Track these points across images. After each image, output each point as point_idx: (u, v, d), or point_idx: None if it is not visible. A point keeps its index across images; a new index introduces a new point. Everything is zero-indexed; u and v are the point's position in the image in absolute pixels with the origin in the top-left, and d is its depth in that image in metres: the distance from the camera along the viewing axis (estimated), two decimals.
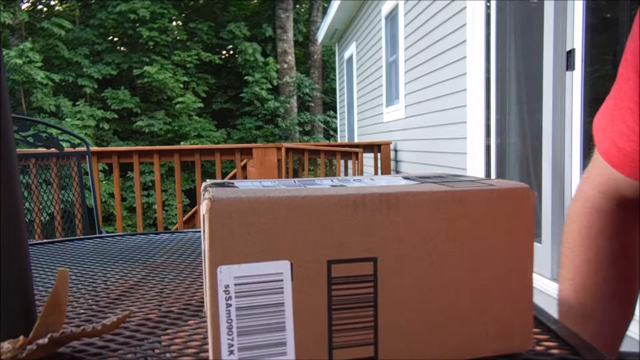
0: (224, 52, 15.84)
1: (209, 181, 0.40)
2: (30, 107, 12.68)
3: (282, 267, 0.33)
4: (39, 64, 12.14)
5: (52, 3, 15.61)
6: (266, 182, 0.40)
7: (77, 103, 12.85)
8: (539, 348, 0.41)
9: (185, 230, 0.99)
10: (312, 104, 15.76)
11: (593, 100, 2.24)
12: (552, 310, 0.59)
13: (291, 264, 0.34)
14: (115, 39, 14.87)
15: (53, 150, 2.14)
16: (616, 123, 0.62)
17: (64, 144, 2.17)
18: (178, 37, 14.50)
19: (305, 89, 15.34)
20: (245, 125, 14.46)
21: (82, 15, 14.73)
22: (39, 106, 12.32)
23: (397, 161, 5.61)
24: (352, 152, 4.56)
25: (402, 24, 5.15)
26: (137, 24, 13.69)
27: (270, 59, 14.52)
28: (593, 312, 0.66)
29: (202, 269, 0.66)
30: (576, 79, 2.31)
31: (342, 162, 4.65)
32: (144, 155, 4.24)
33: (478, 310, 0.38)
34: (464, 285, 0.37)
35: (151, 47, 14.04)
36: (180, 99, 13.47)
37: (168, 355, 0.41)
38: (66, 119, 12.26)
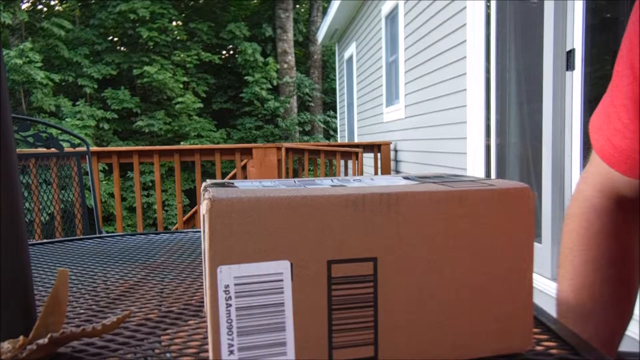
0: (224, 52, 15.83)
1: (209, 181, 0.40)
2: (30, 107, 12.67)
3: (282, 267, 0.33)
4: (39, 64, 12.13)
5: (52, 3, 15.60)
6: (266, 182, 0.40)
7: (77, 103, 12.84)
8: (539, 348, 0.41)
9: (185, 230, 0.99)
10: (312, 104, 15.75)
11: (593, 100, 2.24)
12: (552, 310, 0.59)
13: (291, 264, 0.34)
14: (115, 39, 14.87)
15: (53, 150, 2.14)
16: (611, 120, 0.62)
17: (64, 144, 2.16)
18: (178, 37, 14.49)
19: (305, 89, 15.33)
20: (245, 125, 14.46)
21: (82, 15, 14.72)
22: (39, 106, 12.31)
23: (397, 161, 5.61)
24: (352, 152, 4.56)
25: (402, 24, 5.15)
26: (137, 24, 13.68)
27: (270, 59, 14.51)
28: (592, 311, 0.66)
29: (202, 269, 0.66)
30: (576, 79, 2.31)
31: (342, 162, 4.65)
32: (144, 155, 4.24)
33: (478, 310, 0.38)
34: (464, 285, 0.37)
35: (151, 47, 14.03)
36: (180, 99, 13.46)
37: (168, 355, 0.41)
38: (66, 119, 12.26)
